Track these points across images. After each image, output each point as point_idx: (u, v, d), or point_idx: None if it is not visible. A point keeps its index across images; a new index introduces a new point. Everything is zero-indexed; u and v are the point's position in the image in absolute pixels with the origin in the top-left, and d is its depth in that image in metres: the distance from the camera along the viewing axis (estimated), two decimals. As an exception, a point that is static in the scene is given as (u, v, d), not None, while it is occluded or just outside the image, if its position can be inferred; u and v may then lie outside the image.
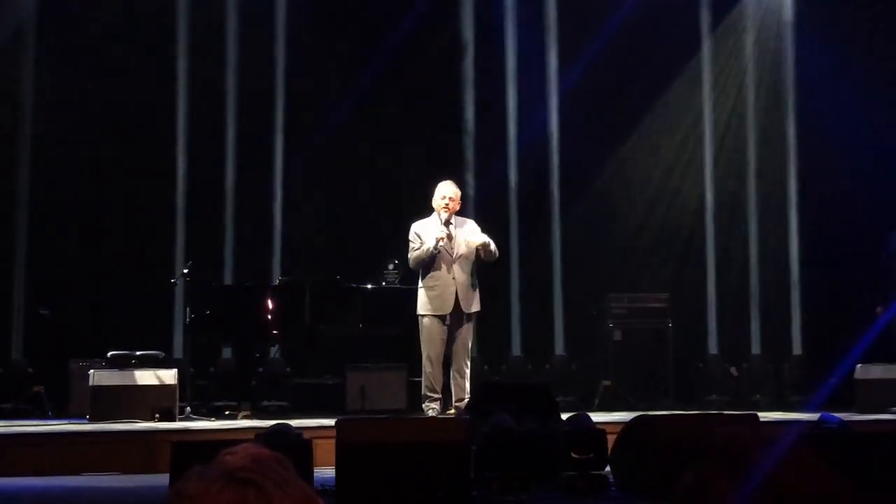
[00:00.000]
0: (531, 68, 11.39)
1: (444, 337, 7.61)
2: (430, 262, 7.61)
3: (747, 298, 11.28)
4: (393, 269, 8.94)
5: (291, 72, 10.92)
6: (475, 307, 7.68)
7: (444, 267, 7.61)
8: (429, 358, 7.60)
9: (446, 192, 7.74)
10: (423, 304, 7.66)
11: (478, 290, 7.71)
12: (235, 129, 10.83)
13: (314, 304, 8.55)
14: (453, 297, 7.57)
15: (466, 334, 7.68)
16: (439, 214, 7.67)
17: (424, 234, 7.66)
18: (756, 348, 11.10)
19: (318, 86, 10.88)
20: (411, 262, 7.74)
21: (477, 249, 7.64)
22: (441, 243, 7.56)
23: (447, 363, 7.68)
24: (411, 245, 7.71)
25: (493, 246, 7.65)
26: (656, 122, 11.39)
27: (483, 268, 7.89)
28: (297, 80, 10.89)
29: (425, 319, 7.64)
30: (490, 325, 9.60)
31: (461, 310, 7.59)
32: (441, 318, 7.59)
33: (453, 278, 7.59)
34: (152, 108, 10.61)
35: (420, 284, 7.72)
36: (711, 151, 11.53)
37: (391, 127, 10.95)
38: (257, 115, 10.86)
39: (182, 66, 10.72)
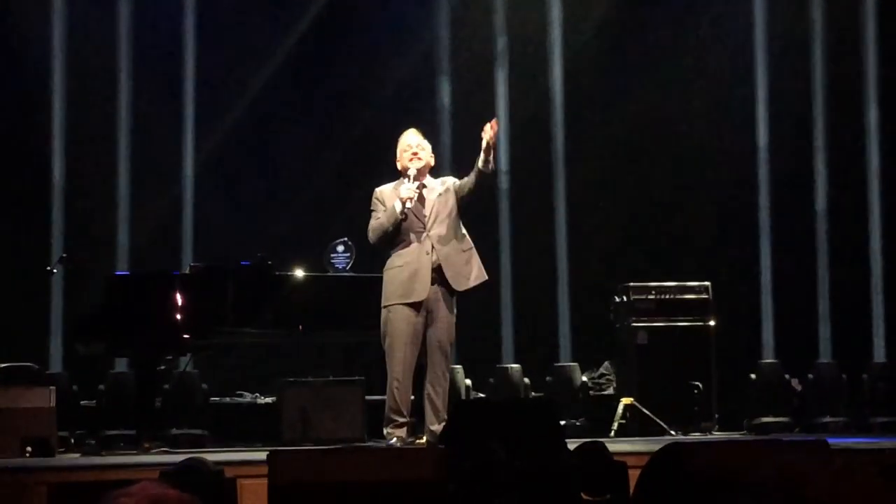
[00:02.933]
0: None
1: (418, 338, 7.55)
2: (396, 233, 7.57)
3: (814, 288, 11.33)
4: (343, 252, 8.92)
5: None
6: (474, 280, 7.63)
7: (413, 240, 7.56)
8: (395, 367, 7.56)
9: (412, 140, 7.69)
10: (389, 292, 7.59)
11: (476, 257, 7.67)
12: (130, 81, 10.85)
13: (239, 299, 8.52)
14: (429, 278, 7.52)
15: (446, 335, 7.62)
16: (406, 171, 7.64)
17: (390, 200, 7.62)
18: (826, 354, 11.16)
19: (247, 19, 10.94)
20: (371, 235, 7.69)
21: (478, 174, 7.47)
22: (409, 205, 7.51)
23: (419, 375, 7.67)
24: (373, 214, 7.69)
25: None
26: (688, 59, 11.41)
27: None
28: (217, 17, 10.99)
29: (393, 312, 7.56)
30: (474, 326, 9.60)
31: (449, 290, 7.51)
32: (414, 307, 7.54)
33: (427, 253, 7.54)
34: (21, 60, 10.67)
35: (385, 268, 7.69)
36: (765, 98, 11.55)
37: (340, 74, 11.01)
38: (159, 63, 10.90)
39: (58, 15, 10.76)
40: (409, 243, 7.58)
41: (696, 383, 9.97)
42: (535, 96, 11.45)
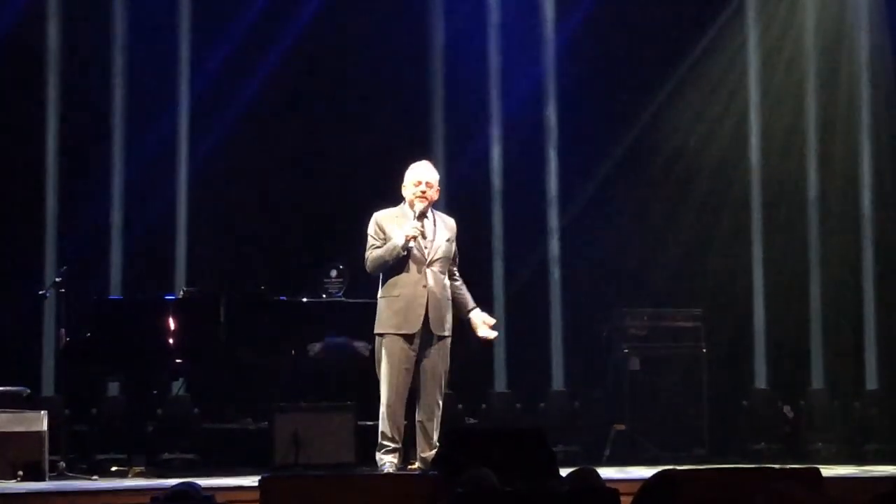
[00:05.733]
0: (520, 12, 11.44)
1: (411, 365, 7.56)
2: (396, 265, 7.56)
3: (806, 316, 11.33)
4: (336, 278, 8.91)
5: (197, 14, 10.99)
6: (447, 330, 7.65)
7: (413, 270, 7.54)
8: (388, 393, 7.55)
9: (423, 175, 7.65)
10: (383, 320, 7.58)
11: (451, 307, 7.68)
12: (123, 99, 10.84)
13: (231, 324, 8.50)
14: (423, 310, 7.51)
15: (440, 362, 7.60)
16: (412, 206, 7.60)
17: (391, 228, 7.58)
18: (818, 381, 11.15)
19: (244, 43, 10.96)
20: (370, 264, 7.66)
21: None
22: (412, 244, 7.49)
23: (412, 401, 7.65)
24: (371, 241, 7.62)
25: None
26: (685, 84, 11.44)
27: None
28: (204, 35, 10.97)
29: (386, 340, 7.56)
30: (466, 351, 9.60)
31: (431, 330, 7.55)
32: (407, 338, 7.53)
33: (424, 286, 7.53)
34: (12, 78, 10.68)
35: (380, 294, 7.67)
36: (758, 125, 11.58)
37: (330, 93, 11.01)
38: (153, 84, 10.90)
39: (52, 25, 10.77)
40: (408, 272, 7.56)
41: (689, 409, 9.99)
42: (528, 117, 11.46)
